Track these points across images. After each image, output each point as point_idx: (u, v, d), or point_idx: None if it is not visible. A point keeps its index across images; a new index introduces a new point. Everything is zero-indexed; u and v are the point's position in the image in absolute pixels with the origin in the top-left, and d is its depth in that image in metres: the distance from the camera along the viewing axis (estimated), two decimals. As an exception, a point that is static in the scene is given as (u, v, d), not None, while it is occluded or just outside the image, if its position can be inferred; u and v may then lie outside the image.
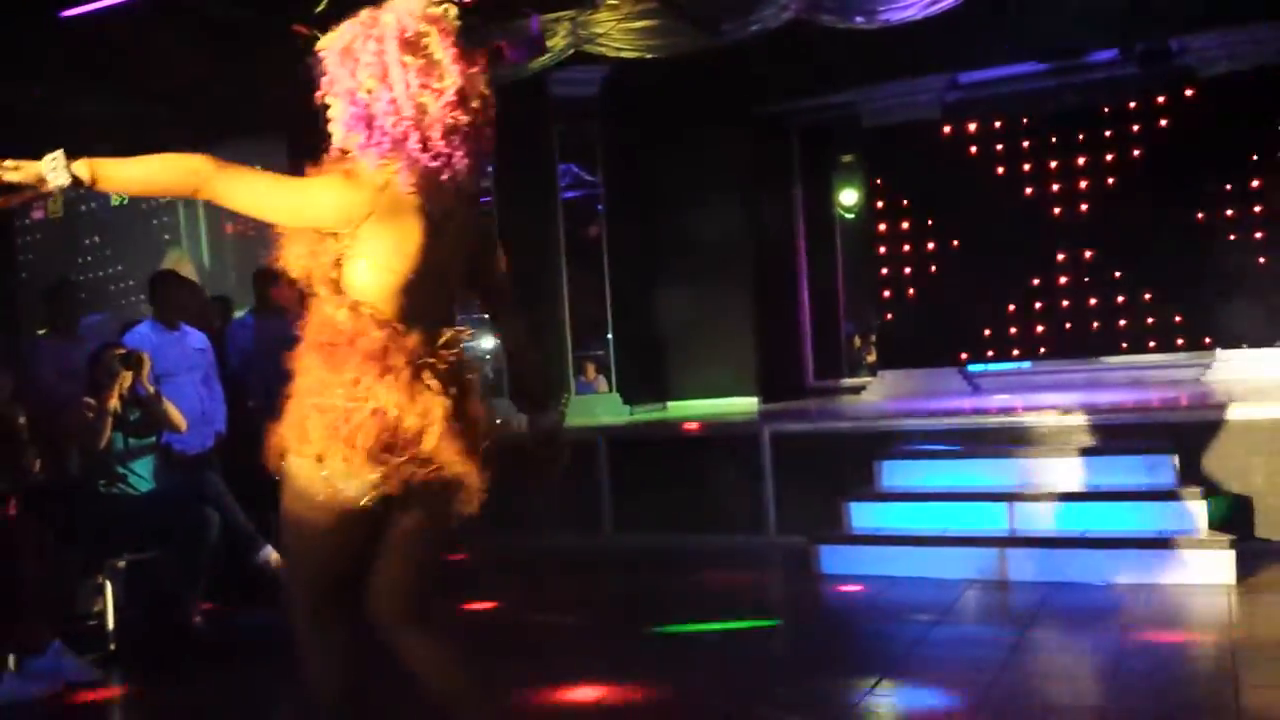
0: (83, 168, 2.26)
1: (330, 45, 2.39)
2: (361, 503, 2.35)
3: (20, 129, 7.36)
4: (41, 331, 7.16)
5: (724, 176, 8.90)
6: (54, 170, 2.24)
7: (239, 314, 8.57)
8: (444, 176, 2.38)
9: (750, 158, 9.14)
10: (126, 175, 2.35)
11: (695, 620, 5.12)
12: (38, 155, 2.26)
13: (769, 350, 9.05)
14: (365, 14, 2.39)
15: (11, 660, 4.35)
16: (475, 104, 2.39)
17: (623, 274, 8.78)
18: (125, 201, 9.49)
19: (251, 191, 2.37)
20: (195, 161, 2.34)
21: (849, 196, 10.27)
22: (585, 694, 4.00)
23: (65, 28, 6.92)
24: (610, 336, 8.68)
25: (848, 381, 9.64)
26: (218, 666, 4.64)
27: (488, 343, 8.94)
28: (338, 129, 2.39)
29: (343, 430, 2.31)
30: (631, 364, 8.76)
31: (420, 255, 2.38)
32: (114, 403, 5.08)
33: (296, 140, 8.63)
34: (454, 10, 2.42)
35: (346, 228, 2.34)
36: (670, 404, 8.99)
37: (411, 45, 2.33)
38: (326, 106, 2.41)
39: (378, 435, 2.31)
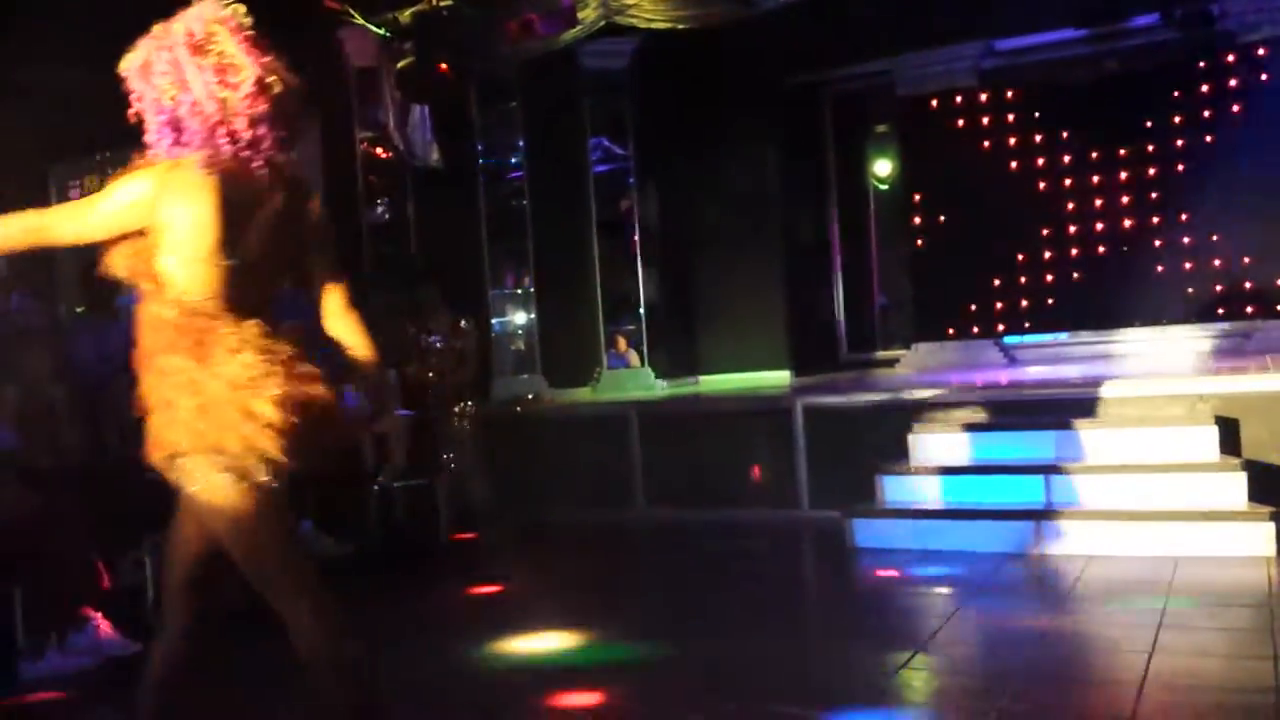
0: None
1: (130, 64, 2.51)
2: (274, 482, 2.42)
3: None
4: (79, 310, 7.25)
5: (756, 148, 8.83)
6: None
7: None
8: (256, 163, 2.50)
9: (782, 129, 9.06)
10: None
11: (727, 592, 5.12)
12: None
13: (801, 323, 9.00)
14: (157, 28, 2.52)
15: (54, 635, 4.44)
16: (276, 90, 2.52)
17: (653, 247, 8.75)
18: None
19: (74, 223, 2.50)
20: (29, 220, 2.47)
21: (883, 167, 10.15)
22: (587, 690, 4.00)
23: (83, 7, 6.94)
24: (641, 310, 8.66)
25: (881, 354, 9.58)
26: (247, 640, 4.68)
27: (519, 318, 8.96)
28: (151, 137, 2.50)
29: (229, 419, 2.39)
30: (663, 338, 8.74)
31: (228, 241, 2.44)
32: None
33: (330, 119, 8.67)
34: (241, 8, 2.56)
35: (149, 218, 2.45)
36: (702, 378, 8.97)
37: (201, 48, 2.47)
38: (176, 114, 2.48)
39: (272, 417, 2.40)
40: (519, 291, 8.96)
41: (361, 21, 7.87)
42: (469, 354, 7.66)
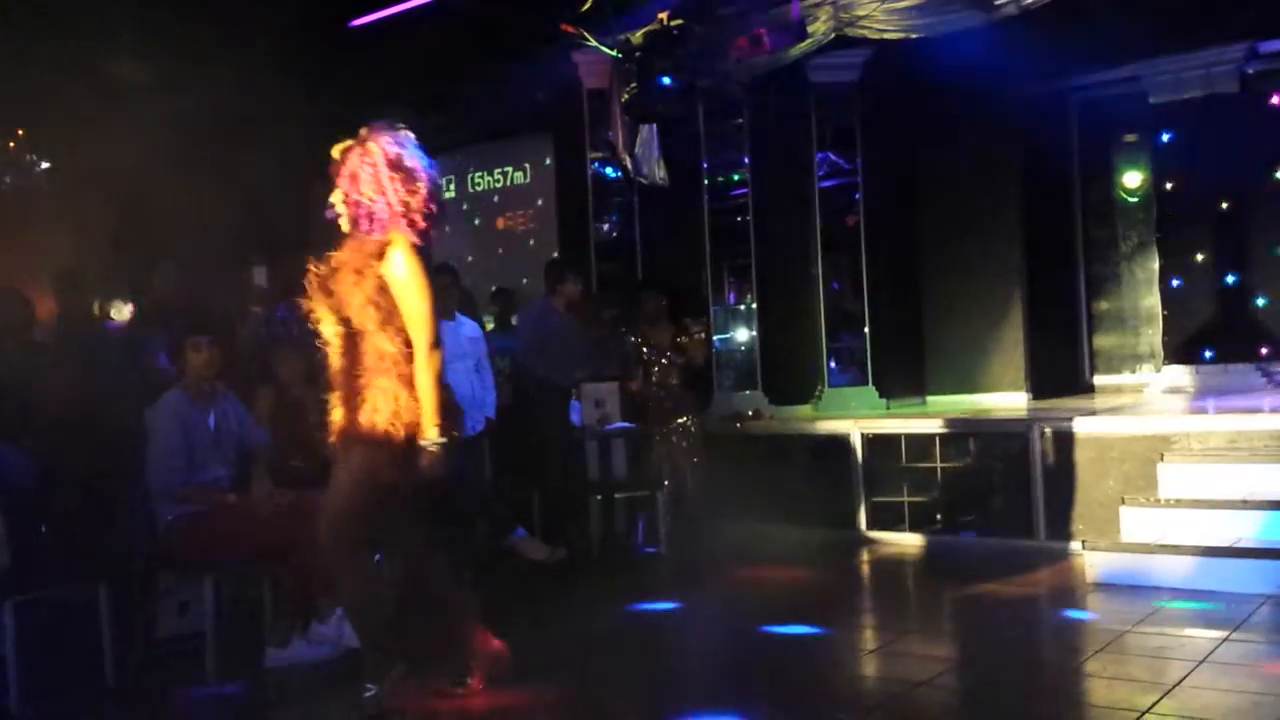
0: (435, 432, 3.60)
1: (339, 170, 3.66)
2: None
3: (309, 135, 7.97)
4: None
5: (993, 159, 8.47)
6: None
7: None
8: (422, 244, 3.68)
9: (1022, 138, 8.64)
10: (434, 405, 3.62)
11: (949, 623, 4.92)
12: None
13: (1041, 344, 8.52)
14: (358, 146, 3.67)
15: (298, 624, 4.73)
16: (440, 195, 3.74)
17: (881, 264, 8.53)
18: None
19: (427, 347, 3.63)
20: (432, 361, 3.62)
21: (1132, 178, 9.53)
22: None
23: (353, 38, 7.45)
24: (867, 329, 8.46)
25: (1129, 378, 8.97)
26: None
27: (741, 334, 8.95)
28: (348, 222, 3.68)
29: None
30: (888, 357, 8.50)
31: None
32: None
33: (561, 139, 8.95)
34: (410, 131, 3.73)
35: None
36: (929, 398, 8.67)
37: (395, 164, 3.64)
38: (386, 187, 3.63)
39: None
40: (741, 307, 8.95)
41: (594, 44, 8.09)
42: (691, 369, 7.71)
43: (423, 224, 3.63)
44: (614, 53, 8.19)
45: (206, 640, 4.59)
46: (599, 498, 6.99)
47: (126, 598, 4.73)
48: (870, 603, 5.96)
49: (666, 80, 8.03)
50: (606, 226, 9.04)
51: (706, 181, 8.87)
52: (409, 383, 3.59)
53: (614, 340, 7.79)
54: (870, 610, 5.76)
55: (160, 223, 7.97)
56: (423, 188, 3.64)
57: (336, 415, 3.72)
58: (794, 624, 5.04)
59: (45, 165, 8.33)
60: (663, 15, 7.86)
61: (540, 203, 10.25)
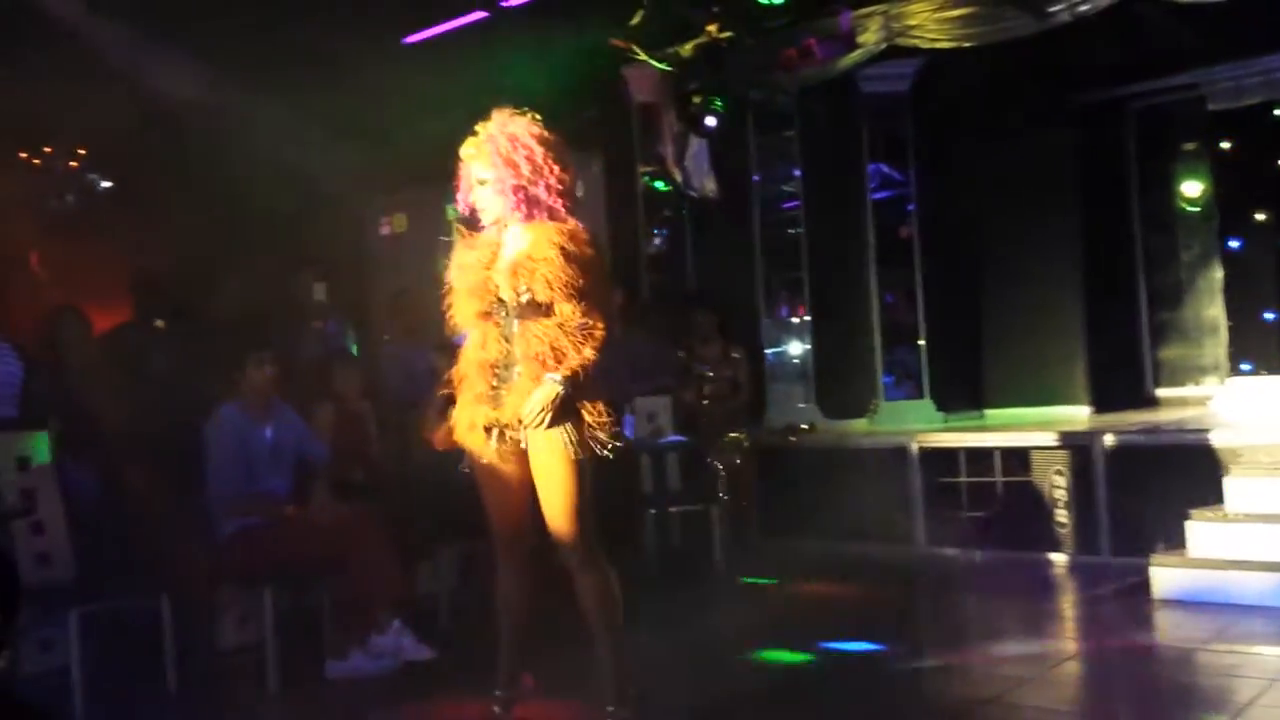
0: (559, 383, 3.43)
1: (481, 154, 3.59)
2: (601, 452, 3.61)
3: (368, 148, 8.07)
4: (386, 339, 7.81)
5: (1048, 169, 8.35)
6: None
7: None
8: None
9: (1078, 148, 8.51)
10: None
11: (1013, 641, 4.83)
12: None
13: (1101, 355, 8.35)
14: (502, 135, 3.58)
15: (358, 637, 4.74)
16: (574, 178, 3.66)
17: (936, 275, 8.43)
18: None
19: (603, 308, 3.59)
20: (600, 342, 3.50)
21: (1192, 188, 9.36)
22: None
23: (407, 52, 7.52)
24: (923, 341, 8.36)
25: (1192, 390, 8.78)
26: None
27: (794, 347, 8.89)
28: (504, 208, 3.57)
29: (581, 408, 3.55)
30: (945, 370, 8.39)
31: None
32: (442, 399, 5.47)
33: (611, 153, 8.96)
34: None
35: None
36: (987, 412, 8.54)
37: (548, 145, 3.59)
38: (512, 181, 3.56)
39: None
40: (794, 320, 8.89)
41: (644, 58, 8.10)
42: (742, 382, 7.68)
43: (571, 203, 3.60)
44: (664, 66, 8.20)
45: (267, 651, 4.62)
46: (653, 512, 6.96)
47: (188, 609, 4.77)
48: (929, 619, 5.87)
49: (715, 94, 8.03)
50: (657, 240, 9.02)
51: (757, 194, 8.84)
52: (571, 368, 3.42)
53: (665, 354, 7.78)
54: (930, 626, 5.67)
55: (218, 239, 8.09)
56: (570, 176, 3.62)
57: (472, 413, 3.54)
58: (854, 640, 4.98)
59: (106, 185, 8.47)
60: (711, 28, 7.86)
61: (590, 217, 10.25)
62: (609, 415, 3.53)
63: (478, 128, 3.64)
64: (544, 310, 3.45)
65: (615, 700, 3.56)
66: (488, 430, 3.53)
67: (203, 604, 4.95)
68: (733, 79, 8.07)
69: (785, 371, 8.89)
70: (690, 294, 8.58)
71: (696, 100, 8.14)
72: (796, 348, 8.89)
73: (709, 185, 8.49)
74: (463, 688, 4.13)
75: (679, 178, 8.49)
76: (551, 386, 3.39)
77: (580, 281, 3.43)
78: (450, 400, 3.76)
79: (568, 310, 3.44)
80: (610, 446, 3.52)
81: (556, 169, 3.56)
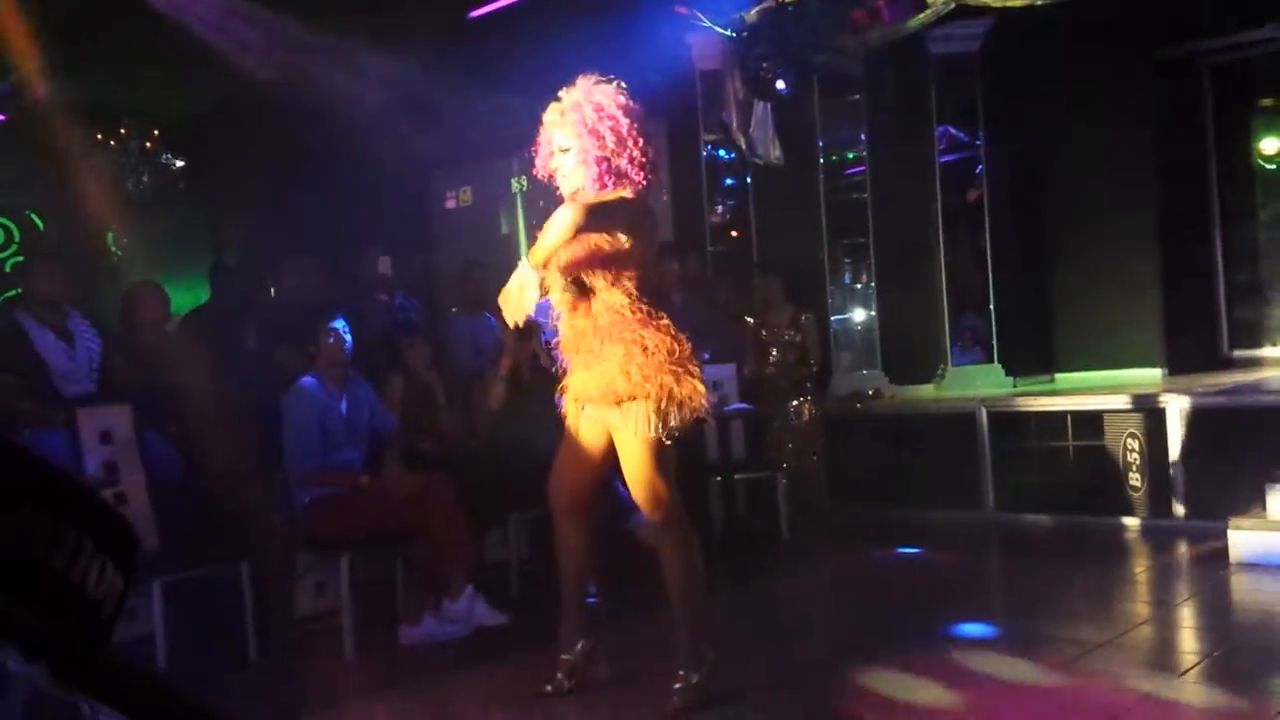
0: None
1: (568, 126, 3.47)
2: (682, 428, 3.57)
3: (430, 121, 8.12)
4: (454, 311, 7.90)
5: (1122, 128, 8.14)
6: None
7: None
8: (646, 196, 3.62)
9: (1153, 106, 8.29)
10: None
11: (1087, 607, 4.78)
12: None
13: (1177, 317, 8.16)
14: (587, 104, 3.46)
15: (431, 603, 4.84)
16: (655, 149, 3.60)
17: (1005, 238, 8.29)
18: (524, 188, 10.18)
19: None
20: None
21: (1270, 144, 9.06)
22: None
23: (472, 26, 7.56)
24: (991, 305, 8.24)
25: (1270, 351, 8.55)
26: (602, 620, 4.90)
27: (859, 313, 8.81)
28: (584, 178, 3.47)
29: (665, 380, 3.49)
30: (1014, 333, 8.26)
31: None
32: (506, 368, 5.54)
33: (675, 121, 8.92)
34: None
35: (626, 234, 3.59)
36: (1058, 375, 8.40)
37: (632, 114, 3.48)
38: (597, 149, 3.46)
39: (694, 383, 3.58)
40: (859, 286, 8.81)
41: (709, 24, 8.03)
42: (808, 349, 7.64)
43: (655, 178, 3.54)
44: (728, 32, 8.12)
45: (343, 618, 4.74)
46: (718, 479, 6.98)
47: (267, 577, 4.91)
48: (1001, 585, 5.84)
49: (781, 58, 7.93)
50: (721, 208, 8.98)
51: (822, 160, 8.75)
52: (644, 342, 3.42)
53: (730, 322, 7.76)
54: (1002, 593, 5.64)
55: (287, 217, 8.23)
56: (649, 141, 3.54)
57: (578, 379, 3.56)
58: (925, 606, 4.96)
59: (180, 164, 8.66)
60: (777, -10, 7.76)
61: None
62: (699, 393, 3.45)
63: (561, 93, 3.54)
64: (609, 283, 3.48)
65: (688, 664, 3.58)
66: (575, 400, 3.60)
67: (281, 572, 5.07)
68: (799, 43, 7.97)
69: (851, 338, 8.82)
70: (756, 261, 8.55)
71: (764, 66, 8.05)
72: (861, 314, 8.81)
73: (774, 152, 8.41)
74: (533, 652, 4.19)
75: (744, 145, 8.42)
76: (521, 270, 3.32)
77: (619, 259, 3.45)
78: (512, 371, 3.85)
79: (613, 295, 3.47)
80: (685, 426, 3.48)
81: (641, 141, 3.46)
